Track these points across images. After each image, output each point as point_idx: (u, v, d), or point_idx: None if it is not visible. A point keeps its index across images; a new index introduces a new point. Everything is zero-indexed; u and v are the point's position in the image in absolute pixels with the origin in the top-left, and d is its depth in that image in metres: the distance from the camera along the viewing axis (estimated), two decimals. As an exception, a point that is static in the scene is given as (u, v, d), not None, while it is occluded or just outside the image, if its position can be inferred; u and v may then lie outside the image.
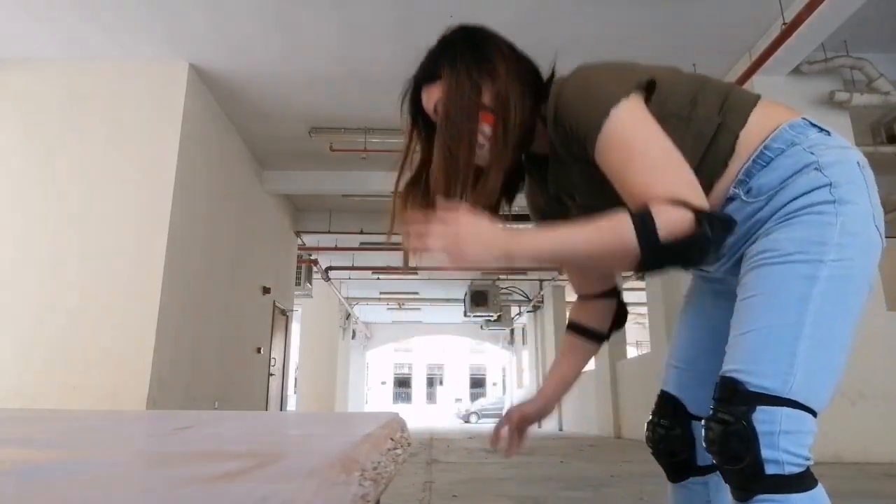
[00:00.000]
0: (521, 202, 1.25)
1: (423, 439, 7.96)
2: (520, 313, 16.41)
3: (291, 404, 14.74)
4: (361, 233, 9.88)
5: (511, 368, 22.30)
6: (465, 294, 13.61)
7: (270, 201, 8.42)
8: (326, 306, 14.45)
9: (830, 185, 0.86)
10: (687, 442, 1.03)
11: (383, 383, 31.73)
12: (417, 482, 3.57)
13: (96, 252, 5.02)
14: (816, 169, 0.87)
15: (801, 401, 0.79)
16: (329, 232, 9.95)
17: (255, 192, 7.79)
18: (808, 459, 0.79)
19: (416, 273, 12.93)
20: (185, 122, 5.42)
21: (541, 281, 14.07)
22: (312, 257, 11.28)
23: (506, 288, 14.86)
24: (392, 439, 0.54)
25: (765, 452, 0.77)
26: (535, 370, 16.10)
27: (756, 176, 0.89)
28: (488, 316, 13.86)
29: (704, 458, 1.00)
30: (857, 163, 0.89)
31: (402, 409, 25.78)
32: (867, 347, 4.68)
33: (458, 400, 31.19)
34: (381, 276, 13.49)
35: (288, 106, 6.45)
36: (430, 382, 33.07)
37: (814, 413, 0.80)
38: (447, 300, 16.29)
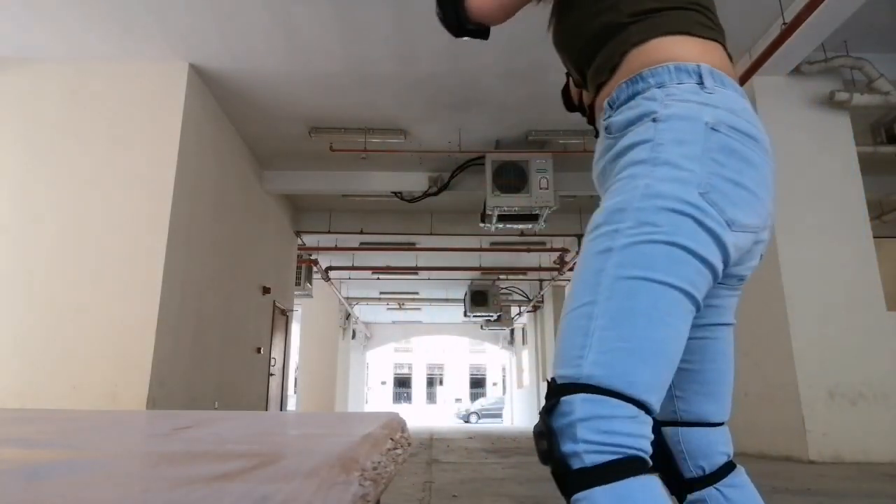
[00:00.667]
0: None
1: (423, 439, 7.96)
2: (520, 313, 16.42)
3: (291, 404, 14.75)
4: (361, 233, 9.88)
5: (511, 368, 22.29)
6: (465, 294, 13.61)
7: (270, 201, 8.42)
8: (326, 306, 14.45)
9: (652, 142, 0.77)
10: (661, 451, 0.92)
11: (383, 383, 31.73)
12: (417, 482, 3.57)
13: (96, 252, 5.02)
14: (654, 120, 0.78)
15: (595, 383, 0.70)
16: (329, 232, 9.95)
17: (255, 192, 7.79)
18: (616, 447, 0.67)
19: (416, 273, 12.94)
20: (185, 122, 5.42)
21: (541, 281, 14.09)
22: (312, 257, 11.28)
23: (506, 288, 14.86)
24: (392, 439, 0.54)
25: (565, 447, 0.68)
26: (536, 370, 16.10)
27: (618, 110, 0.85)
28: (488, 316, 13.87)
29: (689, 469, 0.91)
30: (707, 123, 0.76)
31: (402, 409, 25.79)
32: (867, 347, 4.68)
33: (458, 400, 31.22)
34: (381, 276, 13.50)
35: (288, 106, 6.46)
36: (430, 382, 33.08)
37: (619, 395, 0.69)
38: (447, 300, 16.30)
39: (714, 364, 0.92)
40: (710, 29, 0.87)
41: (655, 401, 0.71)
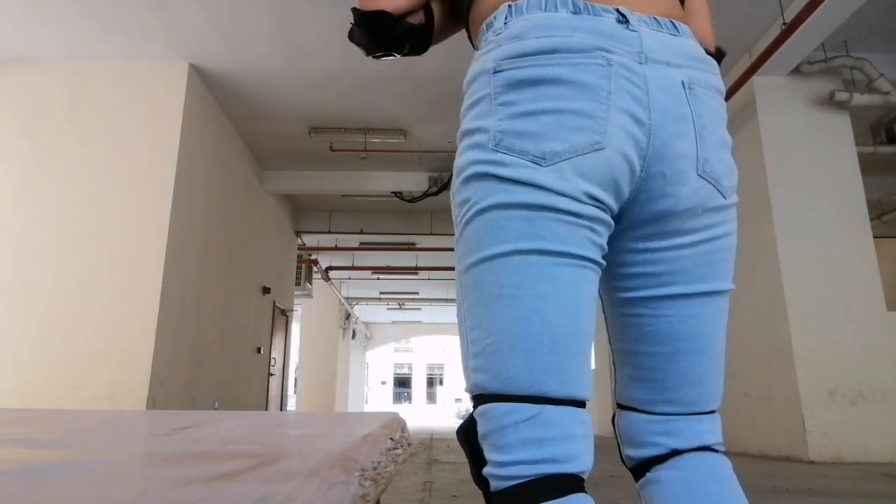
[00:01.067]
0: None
1: (423, 439, 7.96)
2: (520, 313, 16.41)
3: (291, 404, 14.75)
4: (361, 233, 9.88)
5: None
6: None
7: (270, 201, 8.43)
8: (326, 306, 14.45)
9: (463, 117, 0.70)
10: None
11: (383, 383, 31.73)
12: (417, 482, 3.57)
13: (96, 252, 5.02)
14: (465, 97, 0.72)
15: (481, 391, 0.63)
16: (329, 232, 9.96)
17: (255, 192, 7.79)
18: (515, 465, 0.58)
19: (416, 273, 12.94)
20: (185, 122, 5.42)
21: (541, 281, 14.08)
22: (312, 257, 11.29)
23: (506, 288, 14.83)
24: (392, 439, 0.54)
25: (484, 469, 0.62)
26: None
27: None
28: (488, 316, 13.85)
29: (630, 456, 0.76)
30: (489, 69, 0.67)
31: (402, 409, 25.77)
32: (867, 347, 4.68)
33: (458, 400, 31.19)
34: (381, 276, 13.50)
35: (288, 106, 6.46)
36: (430, 382, 33.08)
37: (505, 397, 0.60)
38: (447, 300, 16.29)
39: (652, 347, 0.72)
40: None
41: (556, 386, 0.59)
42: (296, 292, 10.48)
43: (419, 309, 18.54)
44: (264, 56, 5.51)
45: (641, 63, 0.65)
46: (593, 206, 0.63)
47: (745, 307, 5.35)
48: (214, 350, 6.22)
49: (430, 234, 9.80)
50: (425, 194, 8.09)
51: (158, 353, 4.88)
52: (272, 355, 8.52)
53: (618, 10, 0.68)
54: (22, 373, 4.71)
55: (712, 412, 0.73)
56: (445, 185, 7.93)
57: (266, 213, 8.22)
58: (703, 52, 0.73)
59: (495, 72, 0.66)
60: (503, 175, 0.63)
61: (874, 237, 5.03)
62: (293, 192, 8.71)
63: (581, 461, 0.59)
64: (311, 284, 11.46)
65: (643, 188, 0.66)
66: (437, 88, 6.10)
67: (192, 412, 1.05)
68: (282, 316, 9.15)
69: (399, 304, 17.62)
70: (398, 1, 0.79)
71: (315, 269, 11.56)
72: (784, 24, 4.47)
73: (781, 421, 4.80)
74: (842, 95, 5.06)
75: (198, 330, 5.77)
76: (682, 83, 0.67)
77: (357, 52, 0.92)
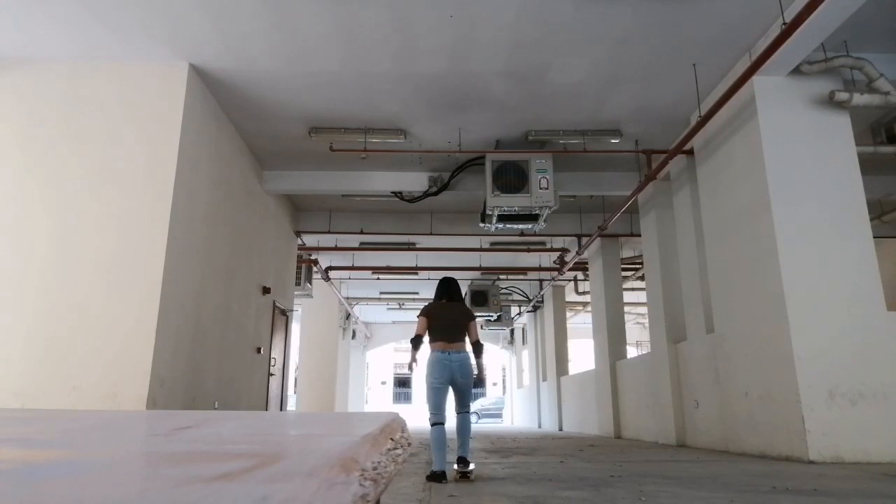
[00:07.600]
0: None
1: (423, 439, 7.96)
2: (520, 313, 16.41)
3: (291, 404, 14.75)
4: (361, 233, 9.88)
5: (511, 368, 22.29)
6: (465, 294, 13.59)
7: (270, 201, 8.43)
8: (326, 306, 14.44)
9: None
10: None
11: (383, 383, 31.72)
12: (417, 482, 3.57)
13: (96, 252, 5.02)
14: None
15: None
16: (329, 232, 9.96)
17: (255, 192, 7.79)
18: (431, 419, 4.09)
19: (416, 273, 12.93)
20: (185, 123, 5.42)
21: (541, 281, 14.08)
22: (312, 257, 11.28)
23: (506, 288, 14.85)
24: (392, 439, 0.54)
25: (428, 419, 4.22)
26: (536, 370, 16.09)
27: None
28: (488, 316, 13.85)
29: (456, 412, 4.22)
30: (428, 360, 4.08)
31: (402, 409, 25.71)
32: (867, 347, 4.68)
33: (457, 400, 31.12)
34: (381, 276, 13.50)
35: (288, 106, 6.46)
36: (431, 382, 33.00)
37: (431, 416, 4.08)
38: (447, 300, 16.24)
39: (456, 395, 4.18)
40: (438, 335, 4.11)
41: (437, 415, 4.04)
42: (296, 292, 10.48)
43: (419, 309, 18.51)
44: (264, 56, 5.51)
45: (451, 363, 4.02)
46: (442, 384, 3.97)
47: (745, 307, 5.35)
48: (214, 350, 6.22)
49: (430, 234, 9.80)
50: (425, 194, 8.09)
51: (158, 353, 4.88)
52: (272, 355, 8.52)
53: (448, 352, 4.04)
54: (22, 373, 4.72)
55: (466, 405, 4.11)
56: (445, 185, 7.93)
57: (266, 213, 8.23)
58: (467, 358, 4.07)
59: (427, 364, 4.09)
60: (430, 377, 4.06)
61: (874, 237, 5.03)
62: (293, 192, 8.71)
63: (440, 419, 3.95)
64: (311, 284, 11.45)
65: (453, 382, 4.01)
66: (437, 89, 6.10)
67: (192, 412, 1.05)
68: (282, 316, 9.15)
69: (399, 304, 17.62)
70: (420, 332, 4.22)
71: (315, 269, 11.56)
72: (784, 24, 4.47)
73: (781, 421, 4.81)
74: (842, 95, 5.06)
75: (198, 330, 5.77)
76: (459, 364, 4.03)
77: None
